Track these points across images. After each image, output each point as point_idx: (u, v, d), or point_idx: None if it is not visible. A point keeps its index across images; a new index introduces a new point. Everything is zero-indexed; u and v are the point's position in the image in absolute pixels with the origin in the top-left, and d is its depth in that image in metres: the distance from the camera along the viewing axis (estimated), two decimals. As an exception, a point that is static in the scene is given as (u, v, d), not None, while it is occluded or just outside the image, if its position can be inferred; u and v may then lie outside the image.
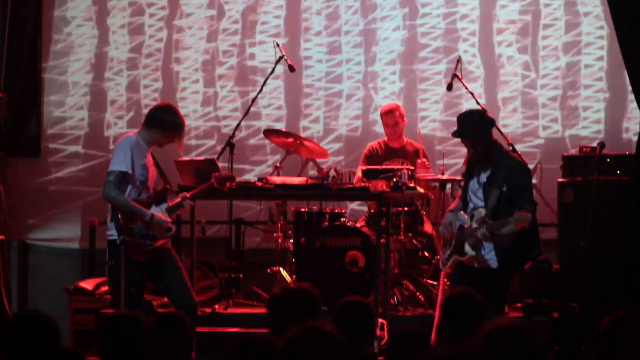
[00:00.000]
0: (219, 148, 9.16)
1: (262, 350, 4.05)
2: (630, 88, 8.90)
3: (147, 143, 7.21)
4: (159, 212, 7.18)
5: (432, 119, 10.42)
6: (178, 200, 7.30)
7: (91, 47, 10.67)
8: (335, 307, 4.96)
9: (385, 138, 9.40)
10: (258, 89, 9.47)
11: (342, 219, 8.78)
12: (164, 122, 7.19)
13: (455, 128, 7.26)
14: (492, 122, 7.26)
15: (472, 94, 9.20)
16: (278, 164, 8.84)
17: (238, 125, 9.24)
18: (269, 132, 9.02)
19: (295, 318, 4.60)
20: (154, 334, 4.52)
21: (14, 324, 4.43)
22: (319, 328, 3.63)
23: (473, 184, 7.19)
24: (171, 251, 7.29)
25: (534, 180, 9.38)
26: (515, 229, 6.71)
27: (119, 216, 7.00)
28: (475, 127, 7.09)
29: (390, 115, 9.27)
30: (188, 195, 7.35)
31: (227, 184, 7.71)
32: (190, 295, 7.22)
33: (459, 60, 9.11)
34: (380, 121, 9.57)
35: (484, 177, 7.12)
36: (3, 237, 9.31)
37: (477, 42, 10.40)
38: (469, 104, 9.62)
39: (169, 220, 7.20)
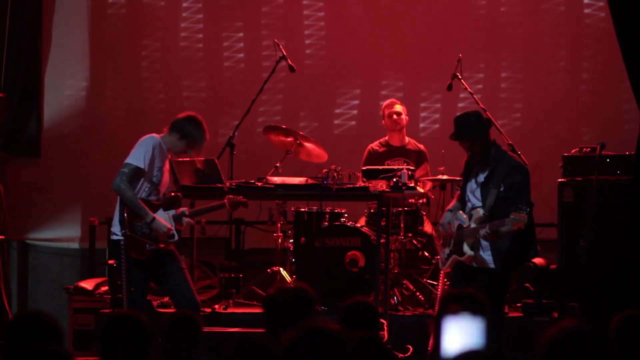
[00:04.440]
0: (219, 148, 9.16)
1: (259, 351, 4.06)
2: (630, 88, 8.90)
3: (166, 148, 7.23)
4: (164, 217, 7.17)
5: (434, 119, 10.44)
6: (178, 212, 7.29)
7: (91, 47, 10.67)
8: (341, 307, 4.96)
9: (387, 137, 9.40)
10: (258, 88, 9.48)
11: (342, 219, 8.78)
12: (184, 130, 7.19)
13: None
14: (489, 123, 7.24)
15: (472, 93, 9.21)
16: (278, 164, 8.84)
17: (238, 125, 9.24)
18: (269, 130, 9.01)
19: (291, 318, 4.61)
20: (168, 334, 4.52)
21: (17, 324, 4.43)
22: (323, 328, 3.62)
23: (471, 184, 7.19)
24: (174, 252, 7.29)
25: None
26: (512, 230, 6.72)
27: (125, 211, 7.00)
28: (472, 129, 7.07)
29: (392, 107, 9.28)
30: (188, 212, 7.33)
31: (240, 207, 7.69)
32: (193, 296, 7.22)
33: (459, 61, 9.11)
34: (379, 121, 9.56)
35: (481, 177, 7.12)
36: (3, 237, 9.31)
37: (480, 44, 10.43)
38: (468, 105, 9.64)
39: (171, 227, 7.18)
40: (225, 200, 7.57)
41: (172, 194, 7.33)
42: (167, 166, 7.27)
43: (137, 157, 7.07)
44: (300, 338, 3.59)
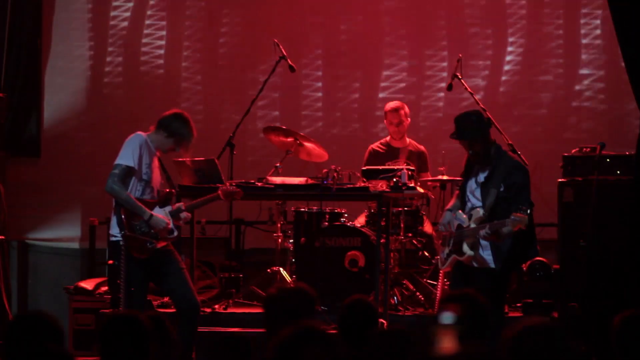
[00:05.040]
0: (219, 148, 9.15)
1: (239, 347, 4.07)
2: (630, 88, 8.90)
3: (154, 146, 7.23)
4: (162, 214, 7.18)
5: (436, 118, 10.45)
6: (175, 208, 7.29)
7: (91, 47, 10.67)
8: (340, 307, 4.96)
9: (388, 138, 9.40)
10: (258, 89, 9.48)
11: (342, 219, 8.78)
12: (171, 129, 7.20)
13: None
14: (489, 123, 7.24)
15: (472, 93, 9.21)
16: (278, 164, 8.84)
17: (238, 125, 9.24)
18: (269, 130, 9.02)
19: (291, 318, 4.61)
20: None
21: (17, 324, 4.42)
22: (313, 328, 3.62)
23: (471, 184, 7.19)
24: (173, 252, 7.29)
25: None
26: (512, 230, 6.72)
27: (122, 212, 7.00)
28: (472, 128, 7.08)
29: (396, 114, 9.27)
30: (184, 207, 7.33)
31: (234, 198, 7.70)
32: (192, 295, 7.22)
33: (459, 61, 9.11)
34: (379, 122, 9.55)
35: (481, 177, 7.12)
36: (3, 237, 9.31)
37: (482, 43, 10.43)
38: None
39: (169, 222, 7.18)
40: (220, 192, 7.57)
41: (166, 190, 7.33)
42: (156, 163, 7.27)
43: (126, 156, 7.08)
44: (290, 337, 3.59)
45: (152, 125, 7.29)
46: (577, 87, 10.38)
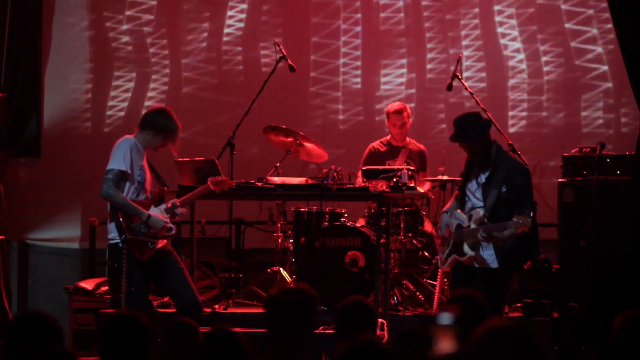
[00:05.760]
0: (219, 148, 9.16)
1: (230, 343, 4.09)
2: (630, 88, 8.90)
3: (143, 146, 7.24)
4: (157, 212, 7.19)
5: (439, 119, 10.45)
6: (170, 205, 7.31)
7: (92, 47, 10.67)
8: (337, 307, 4.96)
9: (388, 137, 9.39)
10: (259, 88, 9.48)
11: (342, 219, 8.78)
12: (157, 124, 7.21)
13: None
14: (488, 124, 7.23)
15: (472, 93, 9.21)
16: (278, 164, 8.85)
17: (239, 125, 9.24)
18: (269, 130, 9.01)
19: (293, 318, 4.62)
20: (164, 341, 4.51)
21: (17, 325, 4.43)
22: (372, 342, 3.65)
23: (472, 184, 7.18)
24: (172, 252, 7.31)
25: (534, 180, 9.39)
26: (515, 233, 6.70)
27: (119, 216, 7.02)
28: (471, 130, 7.07)
29: (399, 116, 9.24)
30: (178, 202, 7.34)
31: (223, 187, 7.71)
32: (193, 295, 7.24)
33: (459, 60, 9.11)
34: (379, 119, 9.54)
35: (482, 178, 7.11)
36: (3, 237, 9.30)
37: (481, 38, 10.43)
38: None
39: (166, 219, 7.20)
40: (209, 182, 7.60)
41: (157, 189, 7.34)
42: (146, 164, 7.29)
43: (118, 160, 7.09)
44: (349, 353, 3.61)
45: (135, 127, 7.32)
46: (577, 86, 10.40)
